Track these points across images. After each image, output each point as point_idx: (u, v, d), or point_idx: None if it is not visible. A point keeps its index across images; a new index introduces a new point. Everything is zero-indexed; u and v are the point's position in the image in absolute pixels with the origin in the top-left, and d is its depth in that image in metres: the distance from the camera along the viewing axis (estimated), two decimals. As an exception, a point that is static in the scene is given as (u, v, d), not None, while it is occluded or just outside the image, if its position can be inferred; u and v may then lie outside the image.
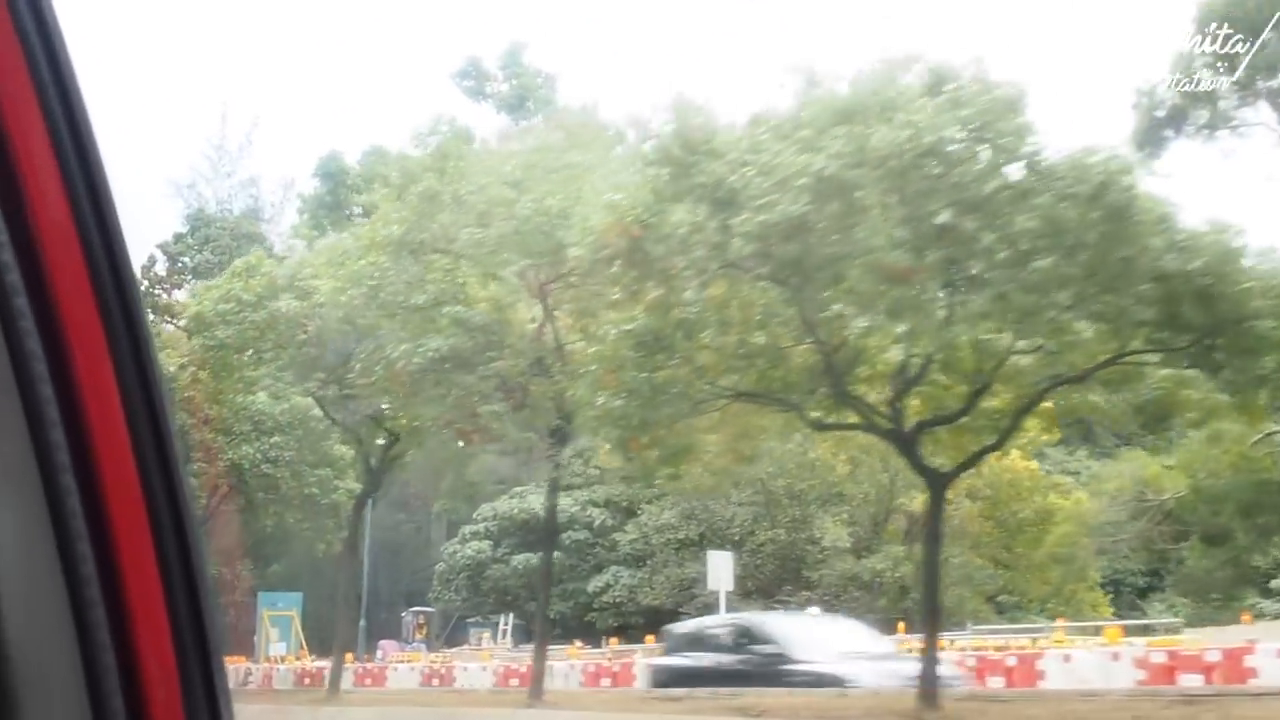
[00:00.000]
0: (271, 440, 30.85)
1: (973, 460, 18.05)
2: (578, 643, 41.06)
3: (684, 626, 26.70)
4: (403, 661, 40.12)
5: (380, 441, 27.14)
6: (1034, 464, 42.83)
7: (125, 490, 1.35)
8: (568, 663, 34.31)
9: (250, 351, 25.84)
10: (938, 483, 17.29)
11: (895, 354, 16.98)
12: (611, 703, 23.98)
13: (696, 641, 23.55)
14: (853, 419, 18.95)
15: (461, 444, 22.64)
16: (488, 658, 37.62)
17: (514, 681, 33.96)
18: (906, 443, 17.20)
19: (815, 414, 18.30)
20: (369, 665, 40.19)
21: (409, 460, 26.64)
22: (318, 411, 32.11)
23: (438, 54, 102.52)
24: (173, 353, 32.74)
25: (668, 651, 24.96)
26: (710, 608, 43.76)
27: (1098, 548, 37.40)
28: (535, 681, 23.19)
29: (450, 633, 50.25)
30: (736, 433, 19.11)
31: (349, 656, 43.05)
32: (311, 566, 51.71)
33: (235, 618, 49.81)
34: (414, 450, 24.86)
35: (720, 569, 38.11)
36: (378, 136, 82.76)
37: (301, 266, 26.11)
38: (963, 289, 14.76)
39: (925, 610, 16.94)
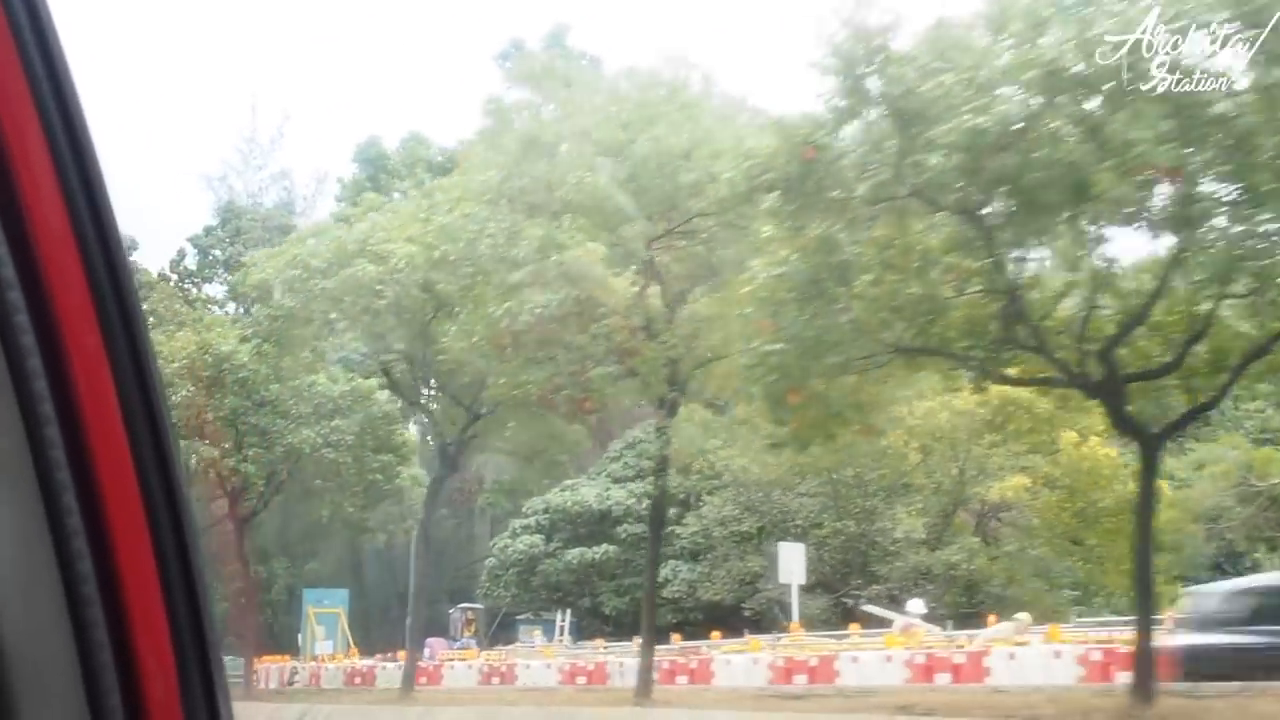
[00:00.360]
0: (332, 424, 28.14)
1: (1186, 420, 15.39)
2: (639, 638, 38.31)
3: (1219, 591, 18.42)
4: (456, 659, 37.43)
5: (458, 421, 24.49)
6: (1113, 450, 40.07)
7: (122, 486, 1.31)
8: (639, 659, 31.57)
9: (318, 322, 23.22)
10: (1150, 444, 14.64)
11: (1098, 293, 14.37)
12: (723, 701, 21.37)
13: (1256, 610, 15.83)
14: (1016, 372, 16.33)
15: (567, 413, 19.93)
16: (551, 654, 34.90)
17: (580, 679, 31.45)
18: (1112, 398, 14.54)
19: (993, 369, 15.65)
20: (422, 663, 37.72)
21: (507, 434, 23.76)
22: (380, 394, 29.53)
23: (478, 36, 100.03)
24: (222, 334, 30.20)
25: (1198, 626, 16.64)
26: (774, 603, 41.03)
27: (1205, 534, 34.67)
28: (642, 679, 20.54)
29: (497, 630, 47.52)
30: (891, 392, 16.49)
31: (401, 654, 40.47)
32: (355, 560, 49.08)
33: (273, 615, 47.35)
34: (514, 424, 22.11)
35: (792, 561, 35.53)
36: (415, 123, 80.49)
37: (373, 230, 23.51)
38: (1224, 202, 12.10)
39: (1138, 591, 14.26)
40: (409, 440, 29.99)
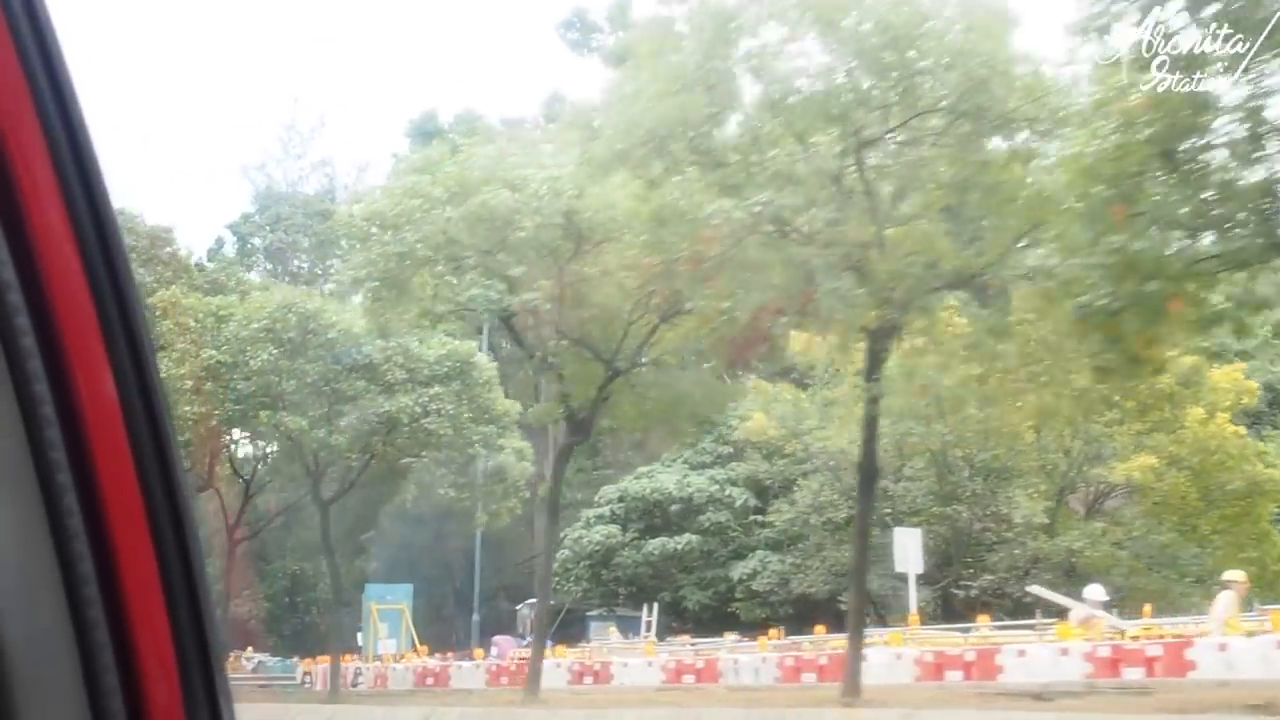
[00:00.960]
0: (430, 391, 24.41)
1: None
2: (733, 634, 34.55)
3: None
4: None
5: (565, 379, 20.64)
6: (1241, 429, 36.38)
7: (123, 488, 1.29)
8: (759, 655, 27.87)
9: (441, 259, 19.49)
10: None
11: None
12: (943, 699, 17.57)
13: None
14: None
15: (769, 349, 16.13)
16: (652, 651, 31.13)
17: (688, 678, 27.74)
18: None
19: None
20: (501, 663, 34.12)
21: (652, 390, 19.88)
22: (479, 358, 25.78)
23: (535, 7, 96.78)
24: (308, 291, 26.53)
25: None
26: (878, 597, 37.15)
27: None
28: (850, 677, 16.74)
29: (560, 627, 43.58)
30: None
31: (478, 653, 36.70)
32: (410, 555, 45.19)
33: (317, 613, 43.58)
34: (711, 364, 18.26)
35: (909, 549, 31.51)
36: (466, 102, 77.55)
37: (501, 157, 19.85)
38: None
39: None
40: (510, 409, 26.24)
